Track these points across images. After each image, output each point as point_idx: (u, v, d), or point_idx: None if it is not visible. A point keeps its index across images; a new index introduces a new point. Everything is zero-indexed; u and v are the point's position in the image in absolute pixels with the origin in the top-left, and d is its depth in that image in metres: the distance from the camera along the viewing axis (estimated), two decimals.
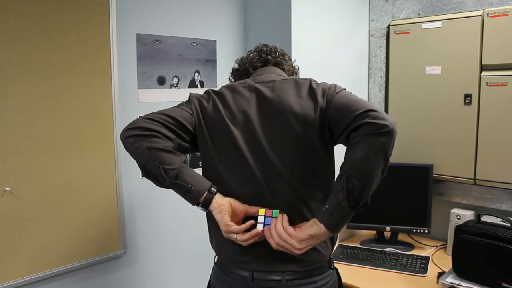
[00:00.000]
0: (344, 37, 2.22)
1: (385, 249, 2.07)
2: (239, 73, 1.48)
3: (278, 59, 1.44)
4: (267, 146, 1.24)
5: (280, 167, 1.23)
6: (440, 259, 1.98)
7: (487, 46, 1.90)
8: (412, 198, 2.11)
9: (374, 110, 1.10)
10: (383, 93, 2.32)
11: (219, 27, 2.05)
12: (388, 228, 2.14)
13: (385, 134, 1.07)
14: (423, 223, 2.09)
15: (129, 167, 1.75)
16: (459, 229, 1.65)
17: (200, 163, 1.34)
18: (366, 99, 2.38)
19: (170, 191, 1.26)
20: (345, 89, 1.25)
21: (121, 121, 1.67)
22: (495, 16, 1.86)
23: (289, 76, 1.42)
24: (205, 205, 1.23)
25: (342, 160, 1.14)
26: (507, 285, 1.49)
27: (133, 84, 1.78)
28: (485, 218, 1.69)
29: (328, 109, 1.20)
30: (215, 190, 1.24)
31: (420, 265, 1.89)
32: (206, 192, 1.22)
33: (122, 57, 1.73)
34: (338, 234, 1.30)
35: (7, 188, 1.45)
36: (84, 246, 1.66)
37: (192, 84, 1.97)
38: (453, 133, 2.04)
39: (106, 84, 1.67)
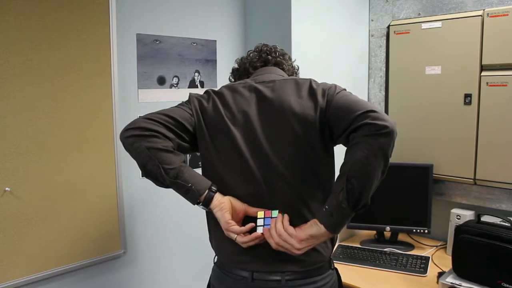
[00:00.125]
0: (344, 37, 2.22)
1: (385, 249, 2.07)
2: (239, 73, 1.48)
3: (278, 59, 1.43)
4: (267, 146, 1.24)
5: (280, 167, 1.23)
6: (440, 259, 1.98)
7: (487, 46, 1.90)
8: (412, 198, 2.11)
9: (374, 111, 1.10)
10: (383, 93, 2.32)
11: (219, 27, 2.05)
12: (388, 228, 2.14)
13: (385, 135, 1.07)
14: (423, 223, 2.09)
15: (129, 167, 1.75)
16: (459, 229, 1.65)
17: (200, 163, 1.34)
18: (366, 99, 2.39)
19: (170, 191, 1.26)
20: (345, 89, 1.25)
21: (121, 121, 1.67)
22: (495, 16, 1.86)
23: (289, 76, 1.42)
24: (206, 204, 1.23)
25: (342, 160, 1.14)
26: (507, 285, 1.49)
27: (133, 84, 1.78)
28: (485, 218, 1.69)
29: (328, 109, 1.20)
30: (215, 189, 1.24)
31: (420, 265, 1.89)
32: (207, 191, 1.23)
33: (122, 57, 1.73)
34: (338, 234, 1.30)
35: (7, 188, 1.45)
36: (84, 246, 1.66)
37: (192, 84, 1.97)
38: (453, 133, 2.04)
39: (106, 84, 1.67)
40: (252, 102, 1.28)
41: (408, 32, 2.15)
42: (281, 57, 1.45)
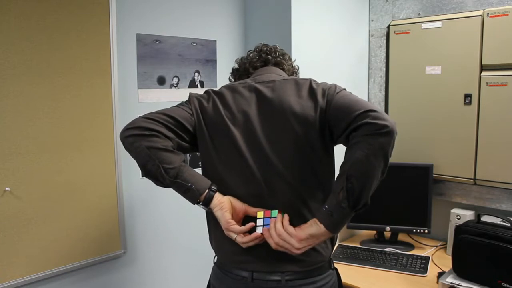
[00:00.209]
0: (344, 37, 2.22)
1: (385, 249, 2.07)
2: (239, 73, 1.48)
3: (278, 59, 1.43)
4: (267, 146, 1.24)
5: (280, 167, 1.23)
6: (440, 259, 1.98)
7: (487, 46, 1.90)
8: (412, 198, 2.11)
9: (374, 111, 1.10)
10: (383, 93, 2.32)
11: (219, 27, 2.05)
12: (388, 228, 2.14)
13: (385, 134, 1.07)
14: (423, 223, 2.09)
15: (129, 167, 1.75)
16: (459, 229, 1.65)
17: (200, 163, 1.34)
18: (366, 99, 2.39)
19: (170, 191, 1.26)
20: (345, 89, 1.25)
21: (121, 121, 1.67)
22: (495, 16, 1.86)
23: (289, 76, 1.42)
24: (206, 203, 1.23)
25: (342, 160, 1.14)
26: (507, 285, 1.49)
27: (133, 84, 1.78)
28: (485, 218, 1.68)
29: (328, 109, 1.20)
30: (215, 189, 1.24)
31: (420, 265, 1.89)
32: (207, 191, 1.23)
33: (122, 57, 1.73)
34: (338, 234, 1.30)
35: (7, 188, 1.45)
36: (84, 246, 1.66)
37: (192, 84, 1.97)
38: (453, 133, 2.04)
39: (106, 84, 1.67)
40: (252, 102, 1.28)
41: (408, 32, 2.15)
42: (281, 57, 1.45)
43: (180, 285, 2.00)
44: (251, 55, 1.46)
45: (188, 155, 1.94)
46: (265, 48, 1.45)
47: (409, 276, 1.82)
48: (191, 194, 1.22)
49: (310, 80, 1.28)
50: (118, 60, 1.70)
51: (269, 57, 1.43)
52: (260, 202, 1.25)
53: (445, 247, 2.09)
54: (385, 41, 2.29)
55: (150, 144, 1.19)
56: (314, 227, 1.16)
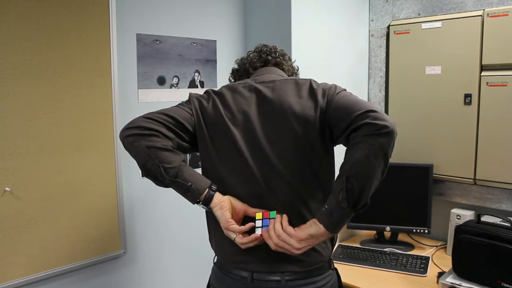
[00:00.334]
0: (344, 37, 2.22)
1: (385, 249, 2.07)
2: (239, 73, 1.48)
3: (278, 59, 1.44)
4: (267, 146, 1.24)
5: (280, 167, 1.23)
6: (440, 259, 1.98)
7: (487, 46, 1.90)
8: (412, 198, 2.11)
9: (374, 111, 1.10)
10: (383, 93, 2.32)
11: (219, 27, 2.05)
12: (388, 228, 2.14)
13: (385, 134, 1.07)
14: (423, 223, 2.09)
15: (129, 167, 1.75)
16: (459, 229, 1.65)
17: (200, 163, 1.34)
18: (366, 99, 2.39)
19: (170, 191, 1.26)
20: (345, 90, 1.25)
21: (121, 121, 1.67)
22: (495, 16, 1.86)
23: (289, 76, 1.42)
24: (206, 203, 1.23)
25: (342, 160, 1.14)
26: (507, 285, 1.49)
27: (133, 84, 1.78)
28: (485, 218, 1.68)
29: (328, 109, 1.20)
30: (215, 188, 1.24)
31: (420, 265, 1.89)
32: (207, 190, 1.23)
33: (122, 57, 1.73)
34: (338, 234, 1.30)
35: (7, 188, 1.45)
36: (84, 246, 1.66)
37: (192, 84, 1.97)
38: (453, 133, 2.04)
39: (106, 84, 1.67)
40: (252, 102, 1.28)
41: (408, 32, 2.15)
42: (281, 58, 1.45)
43: (180, 285, 2.00)
44: (251, 55, 1.46)
45: (188, 155, 1.94)
46: (265, 49, 1.45)
47: (409, 276, 1.82)
48: (191, 194, 1.22)
49: (310, 80, 1.28)
50: (118, 60, 1.70)
51: (269, 57, 1.43)
52: (260, 202, 1.25)
53: (445, 247, 2.09)
54: (385, 41, 2.28)
55: (150, 144, 1.19)
56: (313, 227, 1.16)
